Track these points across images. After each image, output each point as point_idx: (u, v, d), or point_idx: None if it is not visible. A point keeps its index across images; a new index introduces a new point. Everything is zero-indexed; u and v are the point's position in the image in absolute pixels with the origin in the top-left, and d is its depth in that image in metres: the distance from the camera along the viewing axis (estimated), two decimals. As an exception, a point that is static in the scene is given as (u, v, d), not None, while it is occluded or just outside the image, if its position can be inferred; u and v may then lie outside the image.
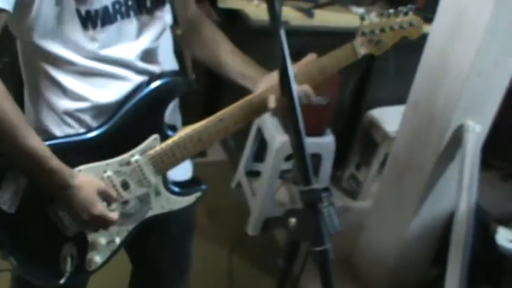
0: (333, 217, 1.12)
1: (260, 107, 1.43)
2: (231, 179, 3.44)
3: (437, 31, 2.35)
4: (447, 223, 2.51)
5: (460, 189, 2.29)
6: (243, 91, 1.49)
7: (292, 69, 1.12)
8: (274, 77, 1.41)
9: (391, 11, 1.53)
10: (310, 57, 1.50)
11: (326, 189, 1.11)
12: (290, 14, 3.15)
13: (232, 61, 1.56)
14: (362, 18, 1.51)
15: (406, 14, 1.54)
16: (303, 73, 1.46)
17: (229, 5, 3.21)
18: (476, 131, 2.30)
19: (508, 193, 3.50)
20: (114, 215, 1.35)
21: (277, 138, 2.86)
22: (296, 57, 1.49)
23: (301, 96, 1.41)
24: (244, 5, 3.18)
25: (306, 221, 1.11)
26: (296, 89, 1.12)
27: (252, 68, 1.53)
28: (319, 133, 2.88)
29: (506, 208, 3.33)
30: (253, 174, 3.30)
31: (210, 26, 1.63)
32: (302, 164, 1.10)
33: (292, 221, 1.15)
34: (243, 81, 1.53)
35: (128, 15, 1.33)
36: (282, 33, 1.11)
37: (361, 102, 3.35)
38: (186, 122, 1.52)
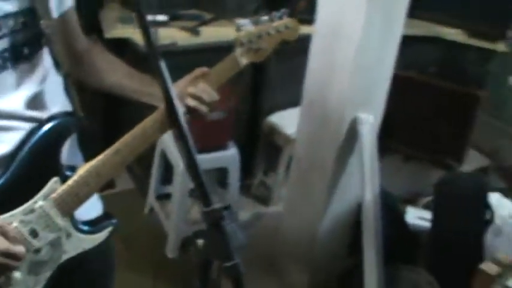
0: (237, 233, 1.16)
1: (155, 131, 1.43)
2: (143, 206, 3.43)
3: (319, 32, 2.44)
4: (357, 213, 2.60)
5: (363, 180, 2.39)
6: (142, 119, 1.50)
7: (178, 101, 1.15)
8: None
9: (265, 17, 1.57)
10: (199, 71, 1.53)
11: (226, 208, 1.15)
12: (177, 35, 3.17)
13: (132, 82, 1.56)
14: (238, 29, 1.55)
15: (280, 17, 1.58)
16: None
17: (116, 35, 3.20)
18: (370, 121, 2.41)
19: (410, 174, 3.67)
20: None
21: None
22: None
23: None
24: (131, 33, 3.17)
25: (212, 240, 1.15)
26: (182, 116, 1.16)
27: (152, 85, 1.51)
28: (223, 147, 2.92)
29: (411, 188, 3.50)
30: (164, 197, 3.30)
31: (103, 53, 1.63)
32: (199, 187, 1.14)
33: (200, 241, 1.18)
34: (148, 99, 1.53)
35: (6, 68, 1.31)
36: (162, 64, 1.14)
37: (258, 110, 3.42)
38: (89, 159, 1.51)
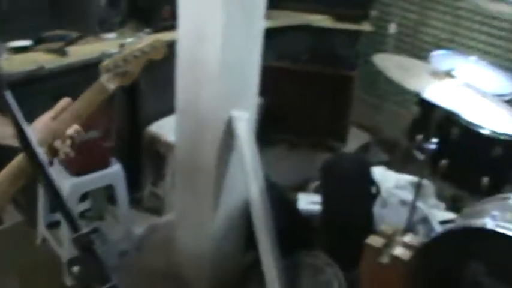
0: (108, 254, 1.16)
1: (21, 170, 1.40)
2: (34, 237, 3.32)
3: (183, 36, 2.45)
4: (248, 209, 2.63)
5: (247, 175, 2.42)
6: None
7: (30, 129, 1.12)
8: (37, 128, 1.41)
9: (130, 40, 1.57)
10: (64, 102, 1.51)
11: (95, 230, 1.14)
12: (43, 58, 3.08)
13: None
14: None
15: (145, 37, 1.59)
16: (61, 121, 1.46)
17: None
18: (245, 118, 2.45)
19: (297, 161, 3.76)
20: None
21: (65, 183, 2.82)
22: (59, 99, 1.50)
23: (74, 137, 1.46)
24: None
25: (86, 265, 1.14)
26: (41, 151, 1.14)
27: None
28: (105, 165, 2.88)
29: (300, 175, 3.58)
30: (54, 225, 3.21)
31: None
32: (65, 214, 1.13)
33: (75, 269, 1.16)
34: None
35: None
36: (9, 95, 1.12)
37: (137, 122, 3.39)
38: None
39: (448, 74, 2.40)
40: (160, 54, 1.61)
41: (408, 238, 2.35)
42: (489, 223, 2.26)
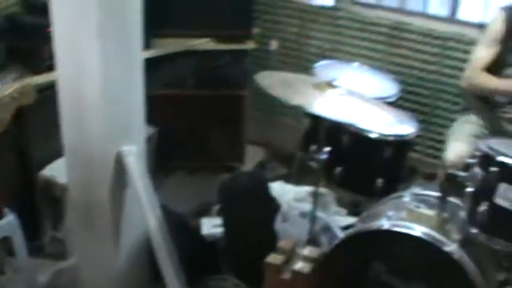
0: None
1: None
2: None
3: (63, 74, 2.38)
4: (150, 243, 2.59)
5: (143, 209, 2.39)
6: None
7: None
8: None
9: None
10: None
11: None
12: None
13: None
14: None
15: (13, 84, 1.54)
16: None
17: None
18: (134, 152, 2.41)
19: (196, 186, 3.74)
20: None
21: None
22: None
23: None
24: None
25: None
26: None
27: None
28: (-1, 217, 2.77)
29: (200, 200, 3.56)
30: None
31: None
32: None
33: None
34: None
35: None
36: None
37: (28, 168, 3.28)
38: None
39: (330, 85, 2.45)
40: (29, 99, 1.57)
41: (307, 251, 2.39)
42: (385, 224, 2.33)
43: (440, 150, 3.85)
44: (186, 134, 3.85)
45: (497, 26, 3.14)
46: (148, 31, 2.49)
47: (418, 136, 3.44)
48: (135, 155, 2.40)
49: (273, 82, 2.47)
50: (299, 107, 2.30)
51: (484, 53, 3.16)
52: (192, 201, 3.53)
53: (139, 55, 2.45)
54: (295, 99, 2.30)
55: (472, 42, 3.46)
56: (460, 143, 3.04)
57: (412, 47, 3.99)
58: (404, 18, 4.02)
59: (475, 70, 3.15)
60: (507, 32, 3.11)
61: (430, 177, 3.49)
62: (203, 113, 3.87)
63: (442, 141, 3.74)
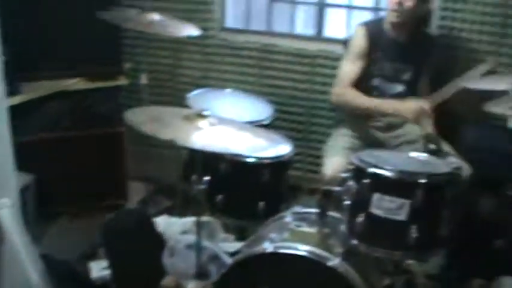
0: None
1: None
2: None
3: None
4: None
5: (23, 264, 2.30)
6: None
7: None
8: None
9: None
10: None
11: None
12: None
13: None
14: None
15: None
16: None
17: None
18: (7, 205, 2.32)
19: (82, 230, 3.63)
20: None
21: None
22: None
23: None
24: None
25: None
26: None
27: None
28: None
29: (87, 243, 3.45)
30: None
31: None
32: None
33: None
34: None
35: None
36: None
37: None
38: None
39: (201, 115, 2.46)
40: None
41: (192, 285, 2.37)
42: (269, 247, 2.36)
43: (320, 165, 3.96)
44: (66, 178, 3.73)
45: (359, 41, 3.29)
46: (15, 76, 2.41)
47: (297, 154, 3.52)
48: (9, 208, 2.30)
49: (143, 118, 2.45)
50: (171, 141, 2.29)
51: (349, 68, 3.29)
52: (78, 245, 3.42)
53: (2, 103, 2.36)
54: (167, 134, 2.29)
55: (339, 58, 3.58)
56: (336, 157, 3.13)
57: (282, 68, 4.10)
58: (272, 40, 4.12)
59: (343, 86, 3.27)
60: (369, 46, 3.26)
61: (313, 193, 3.57)
62: (81, 154, 3.78)
63: (321, 157, 3.84)
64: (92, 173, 3.81)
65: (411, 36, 3.30)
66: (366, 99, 3.22)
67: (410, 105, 3.09)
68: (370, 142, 3.29)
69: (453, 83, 3.08)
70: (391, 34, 3.28)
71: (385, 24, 3.28)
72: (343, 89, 3.28)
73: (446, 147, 3.13)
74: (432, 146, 2.95)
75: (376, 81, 3.30)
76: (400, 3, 3.12)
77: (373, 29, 3.29)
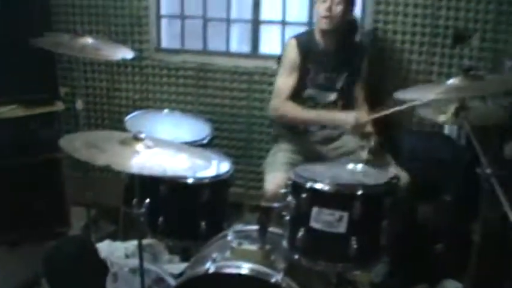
0: None
1: None
2: None
3: None
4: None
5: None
6: None
7: None
8: None
9: None
10: None
11: None
12: None
13: None
14: None
15: None
16: None
17: None
18: None
19: (22, 260, 3.54)
20: None
21: None
22: None
23: None
24: None
25: None
26: None
27: None
28: None
29: (28, 273, 3.37)
30: None
31: None
32: None
33: None
34: None
35: None
36: None
37: None
38: None
39: (137, 138, 2.44)
40: None
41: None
42: (211, 267, 2.36)
43: (262, 181, 3.99)
44: (4, 205, 3.65)
45: (291, 54, 3.33)
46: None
47: (238, 171, 3.53)
48: None
49: (79, 144, 2.42)
50: (107, 167, 2.27)
51: (285, 81, 3.33)
52: (19, 275, 3.34)
53: None
54: (102, 159, 2.27)
55: (275, 74, 3.61)
56: (277, 173, 3.15)
57: (220, 86, 4.13)
58: (209, 59, 4.15)
59: (280, 100, 3.31)
60: (301, 58, 3.31)
61: (256, 210, 3.59)
62: (20, 181, 3.70)
63: (262, 173, 3.87)
64: (32, 200, 3.74)
65: (341, 45, 3.36)
66: (304, 111, 3.27)
67: (348, 117, 3.15)
68: (309, 156, 3.33)
69: (393, 99, 3.15)
70: (322, 44, 3.33)
71: (316, 34, 3.34)
72: (280, 102, 3.31)
73: (385, 156, 3.20)
74: (370, 156, 3.02)
75: (309, 92, 3.35)
76: (329, 9, 3.18)
77: (304, 41, 3.34)
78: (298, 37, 3.38)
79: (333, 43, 3.33)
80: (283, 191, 2.57)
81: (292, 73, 3.32)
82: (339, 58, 3.36)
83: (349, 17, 3.34)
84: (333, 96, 3.37)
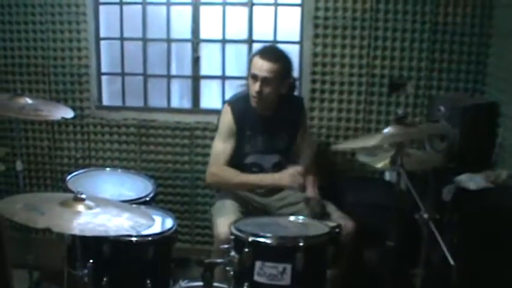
0: None
1: None
2: None
3: None
4: None
5: None
6: None
7: None
8: None
9: None
10: None
11: None
12: None
13: None
14: None
15: None
16: None
17: None
18: None
19: None
20: None
21: None
22: None
23: None
24: None
25: None
26: None
27: None
28: None
29: None
30: None
31: None
32: None
33: None
34: None
35: None
36: None
37: None
38: None
39: (77, 199, 2.42)
40: None
41: None
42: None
43: (207, 235, 3.99)
44: None
45: (227, 120, 3.35)
46: None
47: (183, 226, 3.51)
48: None
49: (18, 206, 2.38)
50: (47, 229, 2.23)
51: (221, 147, 3.35)
52: None
53: None
54: (42, 222, 2.24)
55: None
56: (226, 216, 3.13)
57: (162, 142, 4.14)
58: (150, 115, 4.16)
59: (217, 166, 3.31)
60: (237, 124, 3.33)
61: (202, 265, 3.57)
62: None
63: (207, 227, 3.87)
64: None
65: (277, 109, 3.38)
66: (242, 176, 3.28)
67: (285, 175, 3.18)
68: (251, 207, 3.35)
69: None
70: (257, 110, 3.33)
71: (252, 101, 3.32)
72: (217, 168, 3.32)
73: (327, 206, 3.24)
74: (313, 208, 3.07)
75: (252, 158, 3.37)
76: (260, 90, 3.21)
77: (239, 107, 3.35)
78: (233, 102, 3.40)
79: (267, 110, 3.35)
80: (224, 246, 2.58)
81: (229, 139, 3.34)
82: (276, 120, 3.39)
83: (283, 91, 3.33)
84: (275, 159, 3.40)
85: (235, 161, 3.32)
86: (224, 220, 3.08)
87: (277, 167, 3.36)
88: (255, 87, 3.20)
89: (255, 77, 3.21)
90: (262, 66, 3.18)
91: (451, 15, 3.82)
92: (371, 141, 2.82)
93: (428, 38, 3.85)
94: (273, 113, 3.37)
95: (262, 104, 3.25)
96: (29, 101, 3.21)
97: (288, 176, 3.16)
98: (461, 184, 3.11)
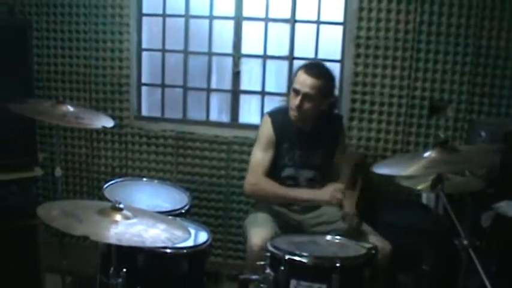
0: None
1: None
2: None
3: None
4: None
5: None
6: None
7: None
8: None
9: None
10: None
11: None
12: None
13: None
14: None
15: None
16: None
17: None
18: None
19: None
20: None
21: None
22: None
23: None
24: None
25: None
26: None
27: None
28: None
29: None
30: None
31: None
32: None
33: None
34: None
35: None
36: None
37: None
38: None
39: (115, 208, 2.43)
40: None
41: None
42: None
43: (240, 250, 3.97)
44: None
45: (266, 131, 3.34)
46: None
47: (216, 240, 3.49)
48: None
49: (56, 213, 2.40)
50: (85, 237, 2.24)
51: (261, 157, 3.32)
52: None
53: None
54: (80, 229, 2.25)
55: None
56: (260, 228, 3.11)
57: (199, 155, 4.14)
58: (188, 127, 4.18)
59: (256, 175, 3.29)
60: (276, 135, 3.32)
61: (234, 279, 3.55)
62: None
63: (240, 242, 3.85)
64: (6, 266, 3.67)
65: (316, 125, 3.36)
66: (282, 188, 3.25)
67: (326, 191, 3.16)
68: (285, 223, 3.32)
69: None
70: (296, 124, 3.32)
71: (291, 114, 3.30)
72: (256, 178, 3.29)
73: (365, 226, 3.21)
74: (351, 223, 3.03)
75: (288, 171, 3.35)
76: (300, 104, 3.20)
77: (279, 119, 3.35)
78: (273, 114, 3.40)
79: (307, 125, 3.34)
80: (260, 263, 2.56)
81: (268, 149, 3.32)
82: (315, 136, 3.37)
83: (323, 108, 3.30)
84: (310, 174, 3.38)
85: (272, 172, 3.30)
86: (258, 232, 3.05)
87: (312, 183, 3.34)
88: (296, 101, 3.19)
89: (296, 91, 3.20)
90: (305, 81, 3.17)
91: (495, 39, 3.78)
92: (413, 167, 2.76)
93: (471, 61, 3.81)
94: (311, 128, 3.35)
95: (300, 118, 3.24)
96: (71, 108, 3.23)
97: (328, 192, 3.14)
98: (500, 211, 3.04)
